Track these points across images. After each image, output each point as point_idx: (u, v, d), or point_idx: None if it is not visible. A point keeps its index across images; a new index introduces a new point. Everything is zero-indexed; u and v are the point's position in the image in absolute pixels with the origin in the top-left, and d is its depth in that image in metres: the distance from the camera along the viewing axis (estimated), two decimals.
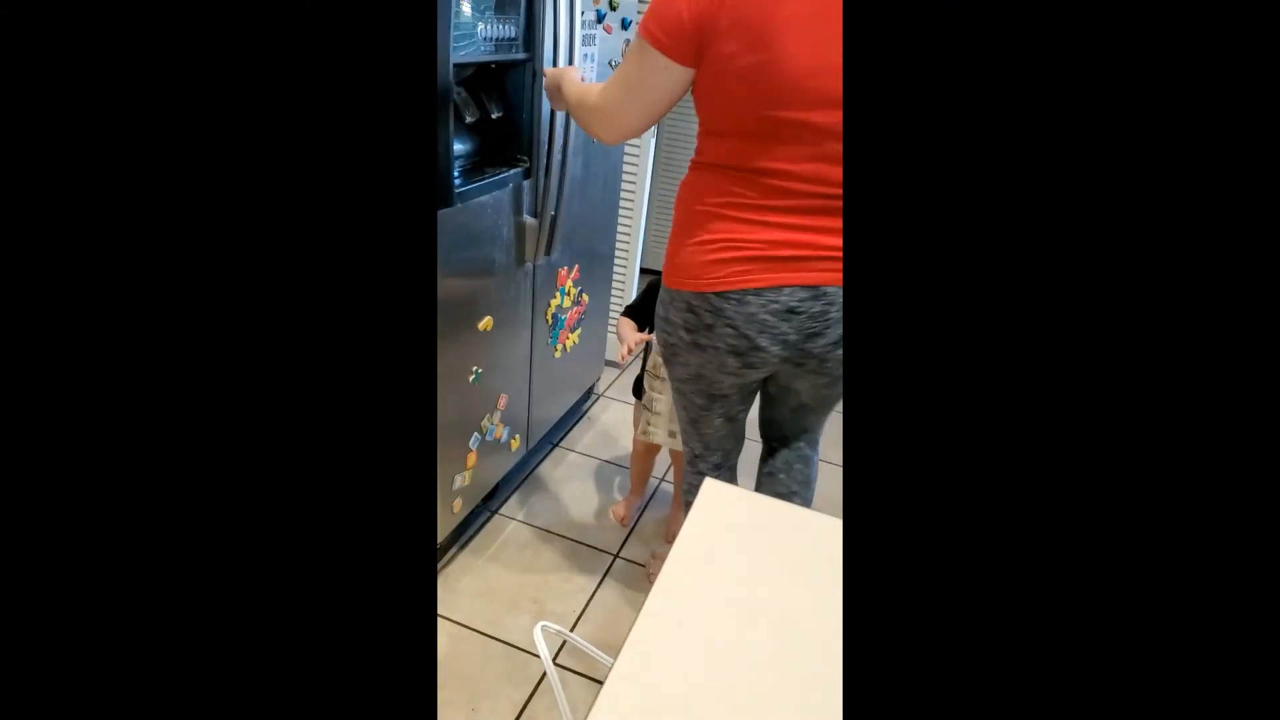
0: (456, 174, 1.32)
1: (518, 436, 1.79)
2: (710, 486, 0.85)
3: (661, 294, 1.16)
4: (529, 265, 1.61)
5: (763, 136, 0.96)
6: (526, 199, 1.53)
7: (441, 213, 1.25)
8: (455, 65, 1.20)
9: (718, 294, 1.03)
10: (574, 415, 2.21)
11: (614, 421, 2.24)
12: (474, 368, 1.50)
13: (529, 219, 1.55)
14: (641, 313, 1.66)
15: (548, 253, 1.64)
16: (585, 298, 1.96)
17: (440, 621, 1.48)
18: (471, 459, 1.58)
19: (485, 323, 1.50)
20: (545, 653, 0.93)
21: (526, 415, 1.82)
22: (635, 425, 1.80)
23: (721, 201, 1.01)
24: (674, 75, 0.96)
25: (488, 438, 1.62)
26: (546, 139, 1.50)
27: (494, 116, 1.43)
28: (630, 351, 1.59)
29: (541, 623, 0.99)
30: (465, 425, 1.54)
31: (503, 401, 1.66)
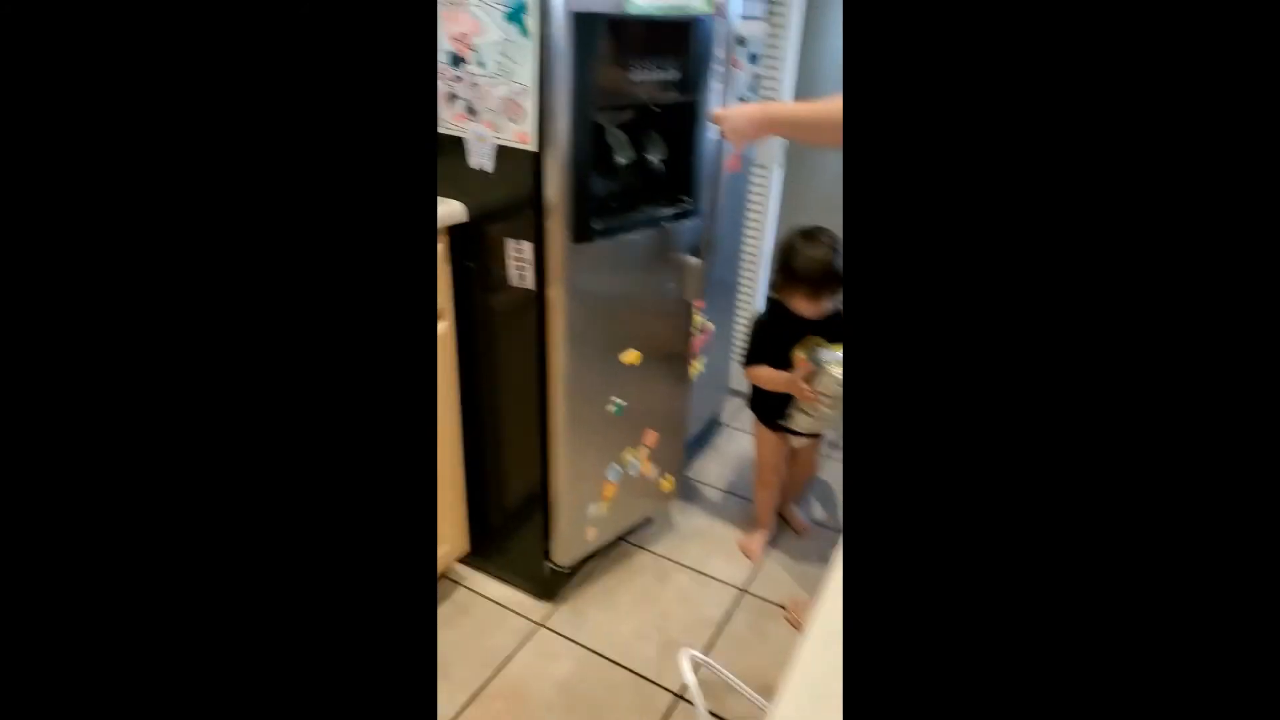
0: (602, 211, 1.34)
1: (669, 476, 1.75)
2: None
3: None
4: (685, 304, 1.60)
5: None
6: (686, 238, 1.52)
7: (594, 245, 1.29)
8: (613, 108, 1.26)
9: None
10: (699, 445, 2.21)
11: (739, 452, 2.21)
12: (614, 398, 1.51)
13: (690, 259, 1.53)
14: (760, 353, 1.65)
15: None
16: (710, 325, 1.96)
17: (567, 645, 1.50)
18: (609, 490, 1.58)
19: (631, 355, 1.50)
20: (693, 681, 0.90)
21: (681, 458, 1.79)
22: (760, 450, 1.77)
23: None
24: None
25: (630, 472, 1.62)
26: (710, 180, 1.52)
27: (652, 159, 1.46)
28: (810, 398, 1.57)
29: (689, 651, 0.97)
30: (603, 455, 1.54)
31: (651, 439, 1.64)
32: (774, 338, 1.64)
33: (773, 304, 1.64)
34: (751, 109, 1.31)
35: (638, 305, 1.49)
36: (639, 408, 1.58)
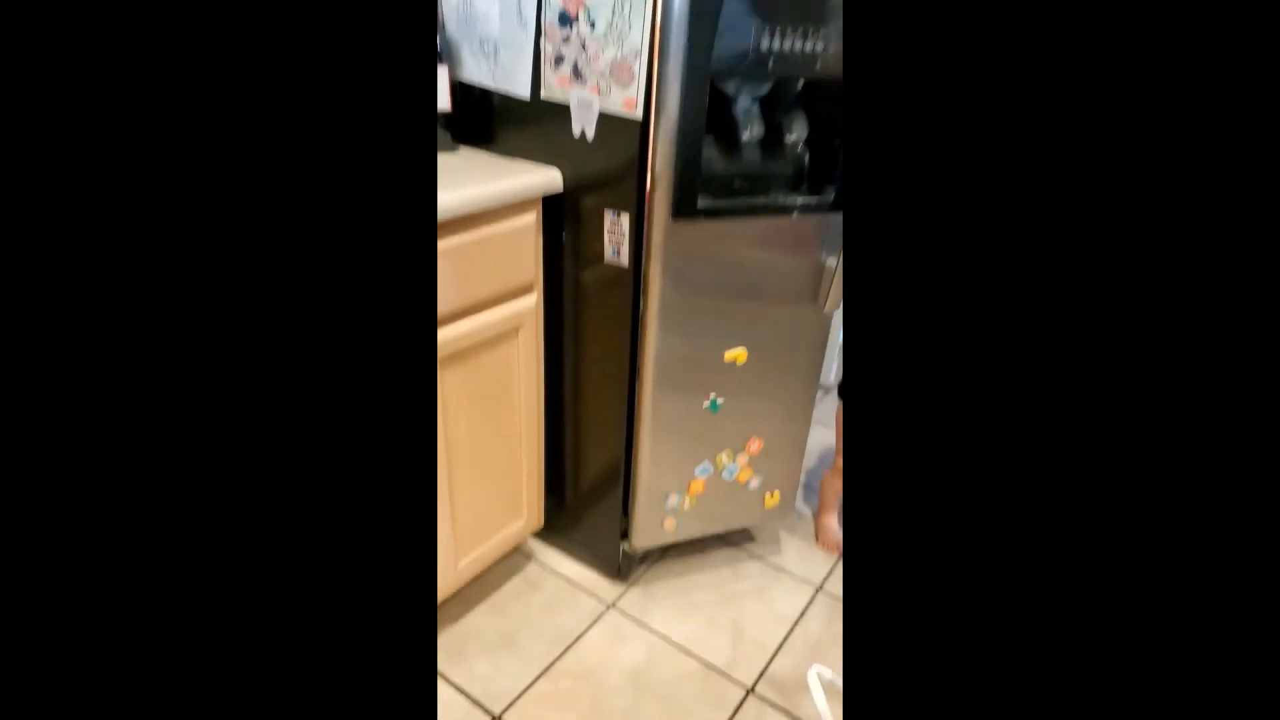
0: (714, 188, 1.24)
1: (776, 493, 1.60)
2: None
3: None
4: (821, 312, 1.39)
5: None
6: (831, 236, 1.32)
7: (699, 225, 1.22)
8: (743, 78, 1.17)
9: None
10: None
11: (820, 439, 2.14)
12: (712, 394, 1.41)
13: (829, 260, 1.32)
14: None
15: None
16: None
17: (637, 629, 1.48)
18: (696, 486, 1.51)
19: (736, 353, 1.39)
20: (822, 699, 0.86)
21: (798, 477, 1.62)
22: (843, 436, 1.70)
23: None
24: None
25: (724, 475, 1.52)
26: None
27: (790, 138, 1.31)
28: None
29: (817, 667, 0.92)
30: (694, 449, 1.46)
31: (755, 446, 1.51)
32: None
33: None
34: None
35: (751, 300, 1.34)
36: (742, 410, 1.46)
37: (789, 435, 1.55)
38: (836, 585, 1.64)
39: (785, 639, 1.49)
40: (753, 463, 1.54)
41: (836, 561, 1.70)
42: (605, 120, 1.17)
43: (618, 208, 1.22)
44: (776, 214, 1.29)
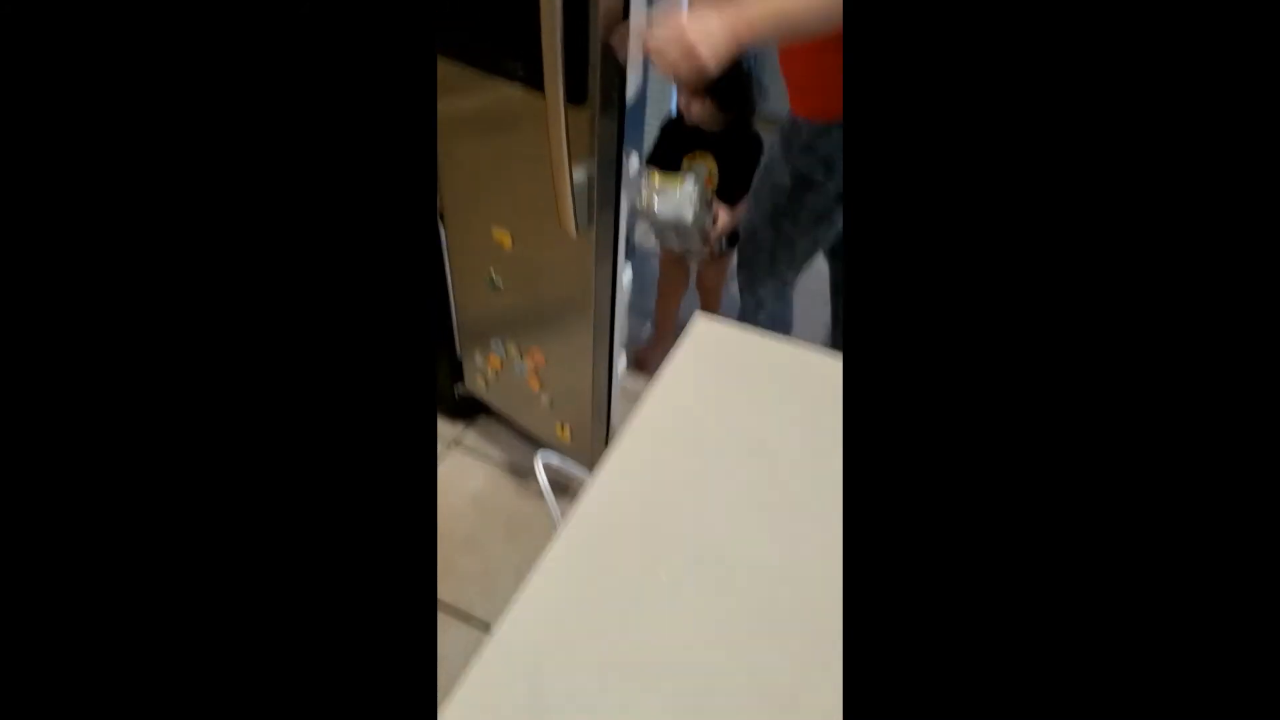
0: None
1: (568, 427, 1.44)
2: (701, 320, 0.85)
3: (810, 131, 1.12)
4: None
5: None
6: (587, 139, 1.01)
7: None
8: None
9: None
10: None
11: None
12: (491, 271, 1.31)
13: (577, 171, 1.03)
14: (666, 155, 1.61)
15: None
16: None
17: (478, 462, 1.58)
18: (494, 360, 1.47)
19: (502, 235, 1.23)
20: (544, 480, 0.99)
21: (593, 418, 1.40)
22: (661, 264, 1.78)
23: None
24: None
25: (516, 369, 1.44)
26: None
27: None
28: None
29: (541, 451, 1.06)
30: (487, 317, 1.42)
31: (538, 355, 1.37)
32: (672, 142, 1.62)
33: (680, 109, 1.60)
34: (716, 24, 0.86)
35: (511, 180, 1.12)
36: (518, 305, 1.30)
37: (571, 368, 1.31)
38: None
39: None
40: (540, 373, 1.40)
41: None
42: None
43: None
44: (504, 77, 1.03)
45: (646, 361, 1.83)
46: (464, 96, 1.13)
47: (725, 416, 0.74)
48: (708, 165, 1.59)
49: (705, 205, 1.52)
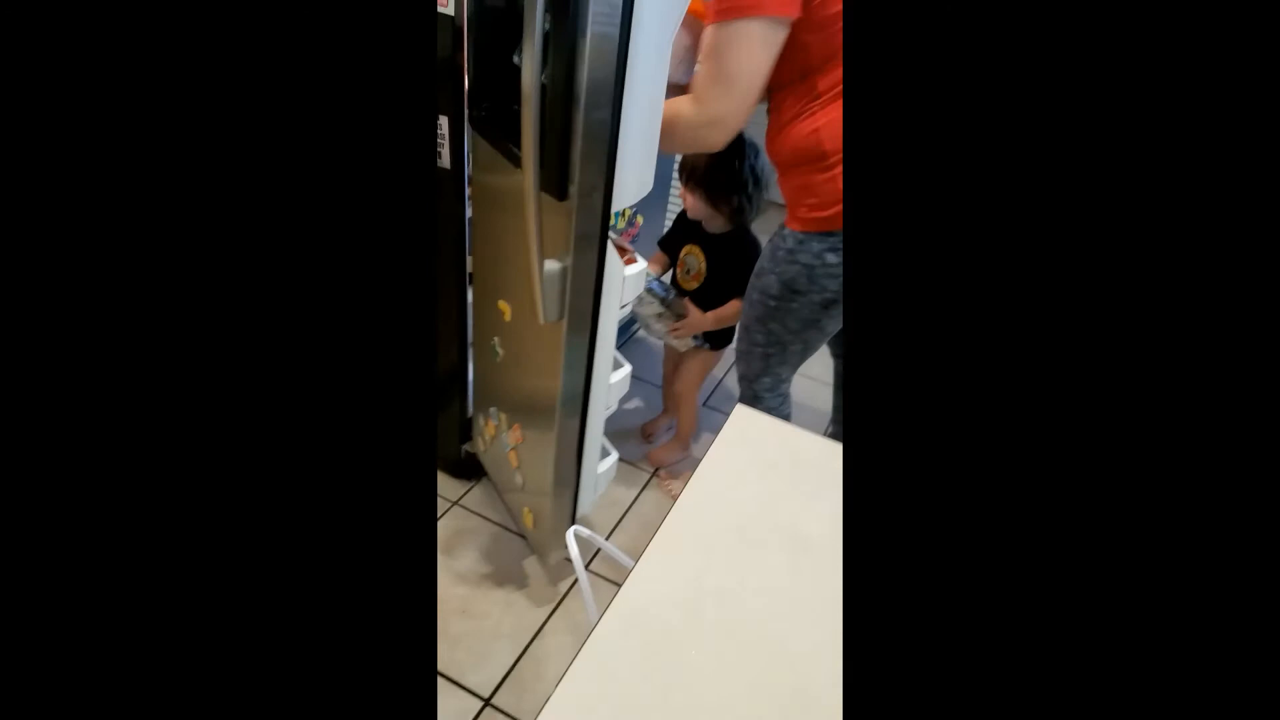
0: (491, 98, 1.21)
1: (530, 514, 1.42)
2: (741, 412, 0.86)
3: (795, 240, 1.17)
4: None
5: None
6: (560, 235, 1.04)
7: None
8: None
9: None
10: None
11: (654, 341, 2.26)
12: (495, 339, 1.34)
13: (547, 263, 1.05)
14: (675, 242, 1.66)
15: None
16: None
17: (481, 522, 1.57)
18: (490, 426, 1.49)
19: (504, 306, 1.26)
20: (576, 554, 0.98)
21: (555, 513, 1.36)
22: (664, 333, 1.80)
23: None
24: (781, 35, 0.97)
25: (502, 440, 1.44)
26: None
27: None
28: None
29: (575, 527, 1.05)
30: (490, 384, 1.43)
31: (517, 432, 1.36)
32: (677, 231, 1.66)
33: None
34: None
35: (515, 255, 1.14)
36: (510, 378, 1.31)
37: (539, 455, 1.25)
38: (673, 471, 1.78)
39: (619, 521, 1.63)
40: (518, 451, 1.35)
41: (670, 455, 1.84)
42: None
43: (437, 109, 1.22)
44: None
45: (650, 433, 1.85)
46: (499, 175, 1.18)
47: (765, 506, 0.75)
48: (697, 259, 1.62)
49: (666, 300, 1.58)
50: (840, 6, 0.99)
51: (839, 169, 1.09)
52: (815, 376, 2.16)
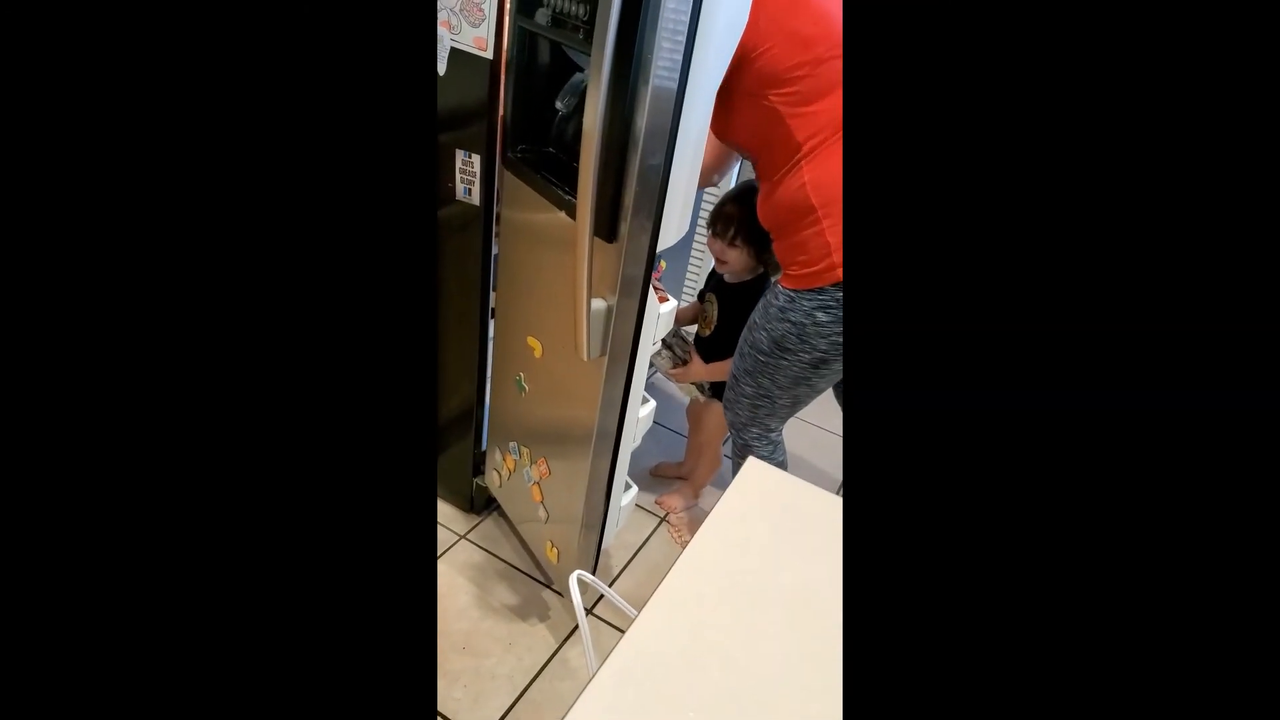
0: (531, 138, 1.22)
1: (554, 548, 1.41)
2: (754, 465, 0.85)
3: (786, 298, 1.19)
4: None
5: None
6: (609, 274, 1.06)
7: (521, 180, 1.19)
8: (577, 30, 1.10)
9: None
10: None
11: (667, 382, 2.26)
12: (520, 373, 1.34)
13: (595, 301, 1.07)
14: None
15: None
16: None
17: (487, 557, 1.55)
18: (509, 460, 1.47)
19: (534, 343, 1.26)
20: (579, 600, 0.97)
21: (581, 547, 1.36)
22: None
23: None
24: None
25: (525, 474, 1.44)
26: None
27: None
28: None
29: (578, 572, 1.04)
30: (510, 420, 1.43)
31: (541, 469, 1.37)
32: (709, 279, 1.67)
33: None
34: None
35: (548, 292, 1.16)
36: (538, 411, 1.31)
37: (569, 489, 1.27)
38: (680, 520, 1.76)
39: (626, 565, 1.60)
40: (543, 485, 1.35)
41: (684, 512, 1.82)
42: (457, 57, 1.19)
43: (468, 147, 1.25)
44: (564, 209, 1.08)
45: (661, 471, 1.83)
46: (532, 211, 1.19)
47: (771, 562, 0.73)
48: (713, 306, 1.61)
49: (675, 348, 1.60)
50: (787, 59, 1.05)
51: (826, 223, 1.13)
52: (834, 430, 2.14)
